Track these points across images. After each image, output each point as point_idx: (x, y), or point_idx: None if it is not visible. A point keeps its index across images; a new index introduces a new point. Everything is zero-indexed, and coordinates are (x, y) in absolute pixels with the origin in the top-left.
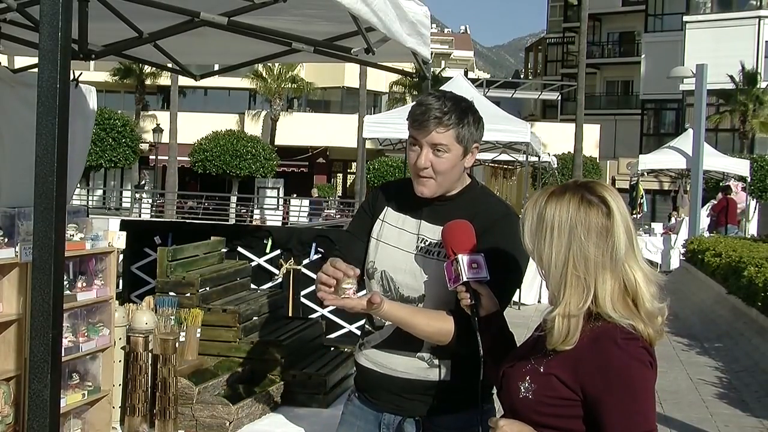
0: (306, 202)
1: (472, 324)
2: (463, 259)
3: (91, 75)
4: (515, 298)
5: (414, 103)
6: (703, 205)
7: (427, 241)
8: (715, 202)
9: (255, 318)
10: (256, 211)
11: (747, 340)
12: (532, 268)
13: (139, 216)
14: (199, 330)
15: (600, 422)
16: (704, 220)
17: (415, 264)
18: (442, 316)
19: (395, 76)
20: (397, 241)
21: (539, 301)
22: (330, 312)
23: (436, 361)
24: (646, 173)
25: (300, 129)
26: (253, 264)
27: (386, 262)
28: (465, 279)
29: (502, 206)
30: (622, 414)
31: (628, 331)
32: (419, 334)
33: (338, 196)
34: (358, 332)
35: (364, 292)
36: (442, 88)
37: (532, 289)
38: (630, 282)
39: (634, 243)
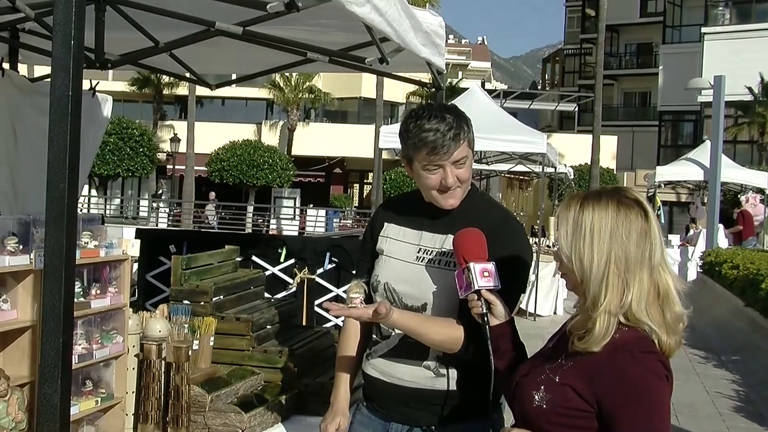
0: (322, 212)
1: (483, 333)
2: (475, 267)
3: (110, 84)
4: (531, 309)
5: (410, 129)
6: (720, 219)
7: (427, 250)
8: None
9: (268, 327)
10: (273, 221)
11: (764, 353)
12: (547, 280)
13: (156, 225)
14: (212, 338)
15: None
16: (723, 240)
17: (415, 273)
18: (451, 323)
19: (412, 87)
20: (398, 253)
21: (555, 313)
22: (343, 321)
23: (443, 370)
24: (663, 185)
25: (317, 139)
26: (267, 273)
27: (388, 274)
28: (476, 288)
29: (501, 212)
30: (637, 429)
31: (645, 344)
32: (429, 342)
33: (355, 207)
34: None
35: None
36: (458, 98)
37: (547, 301)
38: (663, 284)
39: (664, 247)
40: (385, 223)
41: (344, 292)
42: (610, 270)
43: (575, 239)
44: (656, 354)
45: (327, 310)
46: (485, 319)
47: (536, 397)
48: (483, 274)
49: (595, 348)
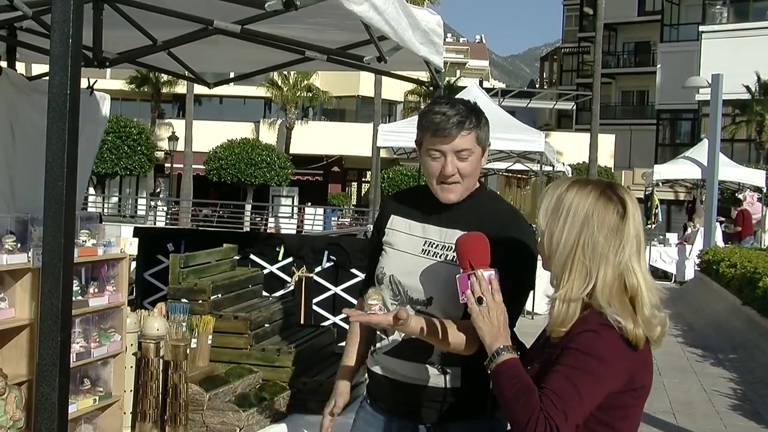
0: (320, 210)
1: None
2: (483, 275)
3: (108, 83)
4: (528, 307)
5: (424, 112)
6: (718, 215)
7: (433, 243)
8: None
9: (266, 325)
10: (271, 220)
11: (762, 351)
12: (545, 278)
13: (154, 224)
14: (210, 337)
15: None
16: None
17: (420, 267)
18: (468, 327)
19: (410, 86)
20: (404, 245)
21: None
22: (341, 320)
23: (447, 369)
24: (661, 183)
25: (315, 138)
26: (266, 271)
27: (394, 266)
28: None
29: (509, 212)
30: (559, 376)
31: (605, 321)
32: (446, 347)
33: (353, 205)
34: None
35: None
36: (456, 97)
37: (545, 299)
38: (632, 284)
39: (641, 251)
40: (392, 216)
41: (343, 291)
42: (576, 254)
43: (553, 215)
44: (614, 330)
45: (347, 317)
46: None
47: None
48: (489, 281)
49: (556, 334)
